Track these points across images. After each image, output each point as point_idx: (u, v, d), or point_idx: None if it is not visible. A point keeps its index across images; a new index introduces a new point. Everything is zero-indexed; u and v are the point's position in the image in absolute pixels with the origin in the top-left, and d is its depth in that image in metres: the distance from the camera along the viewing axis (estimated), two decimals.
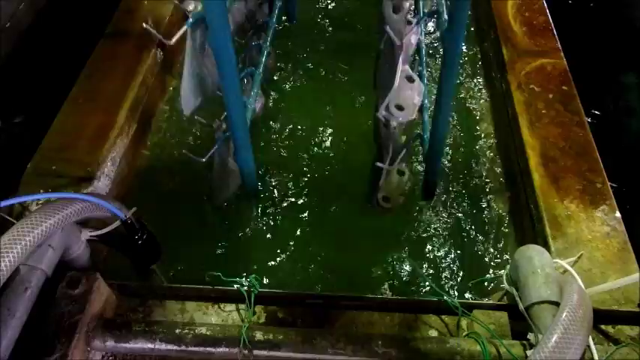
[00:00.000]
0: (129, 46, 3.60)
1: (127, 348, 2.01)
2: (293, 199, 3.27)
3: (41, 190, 2.75)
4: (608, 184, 2.73)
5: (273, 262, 2.98)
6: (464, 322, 2.18)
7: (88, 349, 2.01)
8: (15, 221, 2.02)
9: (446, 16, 2.23)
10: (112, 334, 2.01)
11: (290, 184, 3.34)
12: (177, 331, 2.00)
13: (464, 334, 2.12)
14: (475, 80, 3.93)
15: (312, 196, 3.30)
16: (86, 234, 2.32)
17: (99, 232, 2.34)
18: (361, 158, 3.44)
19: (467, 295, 2.74)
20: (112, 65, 3.47)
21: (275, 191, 3.31)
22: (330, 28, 4.42)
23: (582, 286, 2.07)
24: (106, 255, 2.73)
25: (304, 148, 3.55)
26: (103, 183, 2.94)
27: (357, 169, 3.40)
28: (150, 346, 1.98)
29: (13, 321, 1.88)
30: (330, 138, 3.63)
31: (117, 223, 2.31)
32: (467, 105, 3.77)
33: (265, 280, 2.83)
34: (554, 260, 2.23)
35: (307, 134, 3.65)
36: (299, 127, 3.70)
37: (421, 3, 3.09)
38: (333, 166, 3.46)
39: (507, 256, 2.90)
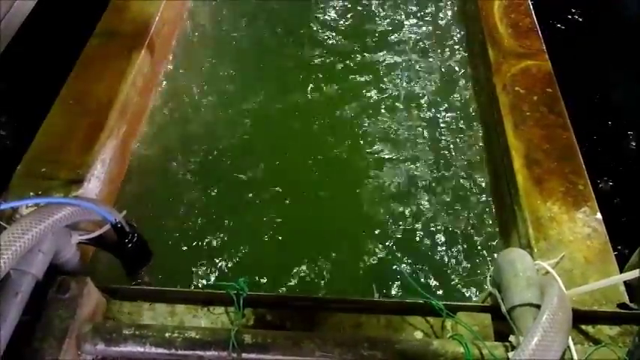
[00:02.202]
0: (118, 47, 3.60)
1: (117, 352, 2.04)
2: None
3: (31, 193, 2.77)
4: (590, 185, 2.79)
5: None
6: (448, 324, 2.22)
7: (79, 352, 2.03)
8: (5, 224, 2.04)
9: None
10: (102, 338, 2.03)
11: None
12: (167, 334, 2.03)
13: (448, 335, 2.17)
14: (462, 81, 3.96)
15: None
16: (76, 238, 2.33)
17: (89, 236, 2.36)
18: None
19: (451, 297, 2.79)
20: (102, 66, 3.47)
21: None
22: None
23: (563, 288, 2.12)
24: (95, 258, 2.75)
25: None
26: (93, 185, 2.95)
27: None
28: (140, 349, 2.01)
29: (4, 325, 1.90)
30: None
31: (107, 227, 2.34)
32: (454, 106, 3.80)
33: None
34: (536, 262, 2.27)
35: None
36: None
37: None
38: None
39: (492, 258, 2.95)
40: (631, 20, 4.14)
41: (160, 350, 2.02)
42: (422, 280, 2.87)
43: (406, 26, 4.40)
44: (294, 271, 2.95)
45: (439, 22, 4.45)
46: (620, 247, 2.57)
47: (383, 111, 3.78)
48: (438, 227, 3.13)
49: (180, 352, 2.02)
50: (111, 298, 2.29)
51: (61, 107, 3.22)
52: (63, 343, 1.96)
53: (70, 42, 3.63)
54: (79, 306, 2.06)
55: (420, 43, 4.27)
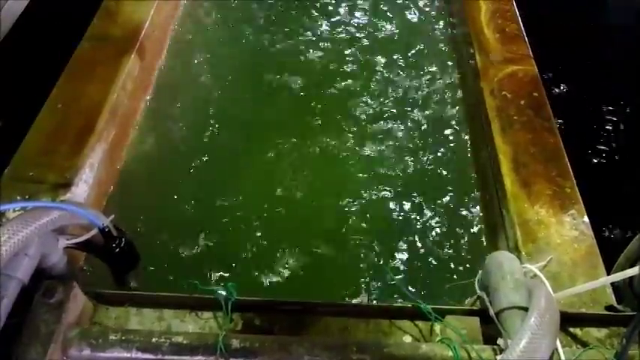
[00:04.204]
0: (108, 50, 3.60)
1: (103, 357, 2.01)
2: None
3: (18, 197, 2.75)
4: (577, 188, 2.81)
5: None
6: (437, 327, 2.23)
7: (65, 358, 2.01)
8: None
9: None
10: (88, 343, 2.01)
11: None
12: (153, 339, 2.01)
13: (437, 339, 2.17)
14: (450, 86, 3.98)
15: None
16: (63, 242, 2.32)
17: (76, 240, 2.34)
18: None
19: (440, 300, 2.79)
20: (92, 69, 3.47)
21: None
22: None
23: (550, 290, 2.12)
24: (83, 262, 2.73)
25: None
26: (81, 189, 2.94)
27: None
28: (126, 355, 1.99)
29: None
30: None
31: (94, 231, 2.32)
32: (442, 111, 3.82)
33: None
34: (524, 265, 2.28)
35: None
36: None
37: None
38: None
39: (480, 261, 2.95)
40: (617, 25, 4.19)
41: (147, 356, 2.00)
42: (410, 283, 2.87)
43: (395, 32, 4.44)
44: (283, 282, 2.95)
45: (427, 28, 4.48)
46: (607, 250, 2.59)
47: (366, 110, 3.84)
48: (428, 231, 3.14)
49: (167, 357, 1.99)
50: (98, 302, 2.27)
51: (50, 111, 3.21)
52: (48, 348, 1.93)
53: (61, 45, 3.61)
54: (65, 311, 2.04)
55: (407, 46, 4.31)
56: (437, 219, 3.19)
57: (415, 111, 3.79)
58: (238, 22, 4.53)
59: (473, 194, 3.29)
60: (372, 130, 3.69)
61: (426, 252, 3.04)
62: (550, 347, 1.91)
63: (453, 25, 4.38)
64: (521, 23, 3.76)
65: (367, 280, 2.91)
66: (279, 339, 2.07)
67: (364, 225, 3.17)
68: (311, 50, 4.27)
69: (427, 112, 3.79)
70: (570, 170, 2.90)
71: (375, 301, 2.80)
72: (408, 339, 2.22)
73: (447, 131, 3.66)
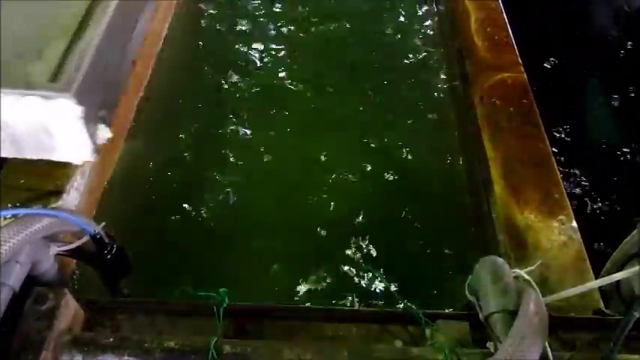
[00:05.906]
0: None
1: None
2: None
3: (9, 204, 2.74)
4: (565, 194, 2.85)
5: None
6: (428, 332, 2.24)
7: None
8: None
9: None
10: (80, 350, 2.00)
11: None
12: (145, 345, 2.01)
13: (428, 343, 2.18)
14: (440, 93, 4.02)
15: None
16: (55, 249, 2.32)
17: (68, 247, 2.35)
18: None
19: (430, 305, 2.80)
20: None
21: None
22: None
23: (539, 294, 2.15)
24: (75, 269, 2.73)
25: None
26: (72, 196, 2.92)
27: None
28: None
29: None
30: None
31: (85, 238, 2.33)
32: (431, 118, 3.85)
33: None
34: (513, 270, 2.30)
35: None
36: None
37: None
38: None
39: (470, 266, 2.97)
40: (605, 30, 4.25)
41: None
42: (400, 287, 2.89)
43: (384, 39, 4.47)
44: (275, 287, 2.95)
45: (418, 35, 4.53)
46: (595, 255, 2.62)
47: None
48: (418, 235, 3.16)
49: None
50: (89, 309, 2.27)
51: None
52: (40, 355, 1.93)
53: None
54: (56, 317, 2.04)
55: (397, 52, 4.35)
56: (426, 224, 3.21)
57: (404, 118, 3.82)
58: (230, 32, 4.54)
59: (462, 200, 3.31)
60: (361, 136, 3.71)
61: (416, 257, 3.06)
62: (539, 351, 1.92)
63: (443, 32, 4.42)
64: (510, 31, 3.81)
65: (358, 284, 2.93)
66: (270, 344, 2.08)
67: (353, 230, 3.18)
68: (306, 53, 4.30)
69: (416, 120, 3.81)
70: (559, 176, 2.93)
71: (365, 306, 2.81)
72: (399, 343, 2.23)
73: (437, 138, 3.69)
